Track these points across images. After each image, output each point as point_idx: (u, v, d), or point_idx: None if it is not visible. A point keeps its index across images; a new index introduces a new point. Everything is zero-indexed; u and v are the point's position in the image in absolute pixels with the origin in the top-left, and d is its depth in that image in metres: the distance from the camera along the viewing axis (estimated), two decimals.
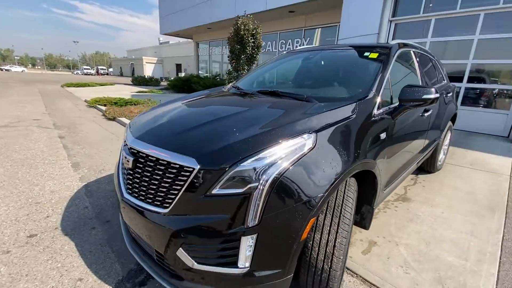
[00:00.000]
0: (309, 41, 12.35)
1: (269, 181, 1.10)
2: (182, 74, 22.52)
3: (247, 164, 1.12)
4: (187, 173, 1.17)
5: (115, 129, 5.53)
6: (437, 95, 1.79)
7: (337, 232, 1.27)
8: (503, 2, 5.30)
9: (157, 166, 1.28)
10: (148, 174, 1.32)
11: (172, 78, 18.39)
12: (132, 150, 1.43)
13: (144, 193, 1.34)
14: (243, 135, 1.25)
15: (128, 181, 1.44)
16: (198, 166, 1.14)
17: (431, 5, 6.35)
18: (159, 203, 1.26)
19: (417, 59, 2.61)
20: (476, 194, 2.89)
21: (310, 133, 1.27)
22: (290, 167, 1.15)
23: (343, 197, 1.34)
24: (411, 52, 2.55)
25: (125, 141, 1.61)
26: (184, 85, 14.75)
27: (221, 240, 1.13)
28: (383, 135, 1.68)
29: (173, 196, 1.21)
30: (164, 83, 22.10)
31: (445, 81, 3.60)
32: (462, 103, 6.17)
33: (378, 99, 1.74)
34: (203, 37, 19.60)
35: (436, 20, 6.30)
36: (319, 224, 1.27)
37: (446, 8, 6.07)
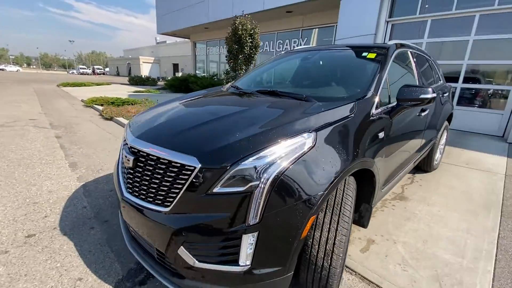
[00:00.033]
0: (307, 41, 12.40)
1: (270, 180, 1.11)
2: (179, 74, 22.45)
3: (248, 163, 1.12)
4: (189, 172, 1.17)
5: (113, 129, 5.51)
6: (434, 95, 1.82)
7: (336, 230, 1.28)
8: (498, 3, 5.37)
9: (158, 165, 1.28)
10: (149, 173, 1.32)
11: (169, 78, 18.33)
12: (132, 149, 1.43)
13: (144, 192, 1.34)
14: (244, 134, 1.26)
15: (129, 180, 1.44)
16: (200, 165, 1.15)
17: (427, 6, 6.41)
18: (160, 201, 1.27)
19: (414, 60, 2.63)
20: (471, 193, 2.93)
21: (310, 132, 1.29)
22: (291, 166, 1.16)
23: (343, 196, 1.36)
24: (408, 52, 2.57)
25: (125, 140, 1.61)
26: (181, 85, 14.71)
27: (223, 238, 1.14)
28: (381, 134, 1.70)
29: (174, 195, 1.21)
30: (161, 83, 22.01)
31: (441, 81, 3.64)
32: (458, 103, 6.23)
33: (376, 99, 1.76)
34: (200, 37, 19.57)
35: (432, 21, 6.36)
36: (319, 222, 1.28)
37: (442, 9, 6.13)
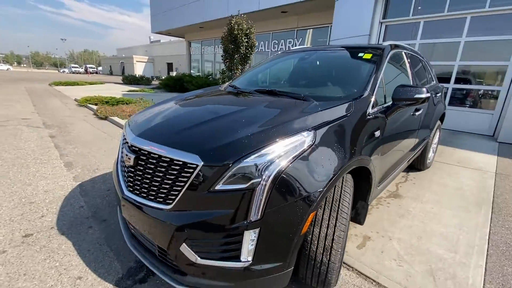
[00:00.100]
0: (301, 42, 12.47)
1: (271, 177, 1.13)
2: (174, 73, 22.32)
3: (250, 161, 1.15)
4: (191, 170, 1.19)
5: (108, 128, 5.46)
6: (428, 94, 1.87)
7: (335, 226, 1.32)
8: (488, 5, 5.50)
9: (160, 163, 1.29)
10: (150, 171, 1.33)
11: (163, 77, 18.21)
12: (133, 147, 1.44)
13: (146, 190, 1.35)
14: (245, 133, 1.29)
15: (129, 178, 1.45)
16: (202, 163, 1.17)
17: (419, 7, 6.52)
18: (161, 199, 1.28)
19: (408, 60, 2.69)
20: (463, 190, 3.01)
21: (310, 131, 1.32)
22: (291, 164, 1.18)
23: (341, 193, 1.39)
24: (403, 53, 2.63)
25: (124, 139, 1.62)
26: (176, 84, 14.64)
27: (224, 235, 1.16)
28: (377, 133, 1.74)
29: (176, 193, 1.23)
30: (155, 82, 21.85)
31: (434, 81, 3.72)
32: (450, 104, 6.36)
33: (373, 98, 1.80)
34: (195, 36, 19.49)
35: (425, 22, 6.47)
36: (318, 218, 1.31)
37: (434, 11, 6.25)
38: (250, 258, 1.17)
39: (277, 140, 1.24)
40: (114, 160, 3.61)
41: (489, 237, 2.14)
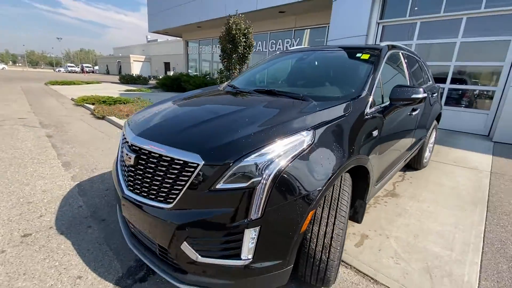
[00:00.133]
0: (299, 42, 12.51)
1: (272, 176, 1.15)
2: (171, 73, 22.25)
3: (251, 160, 1.16)
4: (192, 169, 1.20)
5: (105, 128, 5.44)
6: (425, 94, 1.90)
7: (334, 224, 1.33)
8: (484, 6, 5.56)
9: (161, 162, 1.30)
10: (151, 171, 1.34)
11: (161, 77, 18.14)
12: (133, 147, 1.44)
13: (146, 189, 1.36)
14: (245, 132, 1.30)
15: (130, 178, 1.45)
16: (203, 162, 1.18)
17: (416, 8, 6.58)
18: (162, 198, 1.29)
19: (405, 61, 2.72)
20: (459, 189, 3.05)
21: (309, 130, 1.34)
22: (291, 163, 1.20)
23: (339, 191, 1.41)
24: (400, 53, 2.66)
25: (124, 138, 1.62)
26: (173, 83, 14.60)
27: (225, 233, 1.17)
28: (375, 133, 1.76)
29: (177, 192, 1.24)
30: (152, 82, 21.77)
31: (431, 82, 3.76)
32: (446, 104, 6.42)
33: (370, 98, 1.82)
34: (192, 36, 19.45)
35: (422, 23, 6.53)
36: (317, 216, 1.33)
37: (431, 12, 6.31)
38: (250, 256, 1.19)
39: (277, 139, 1.25)
40: (113, 160, 3.60)
41: (484, 235, 2.18)
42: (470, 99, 6.31)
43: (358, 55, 2.30)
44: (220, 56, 8.81)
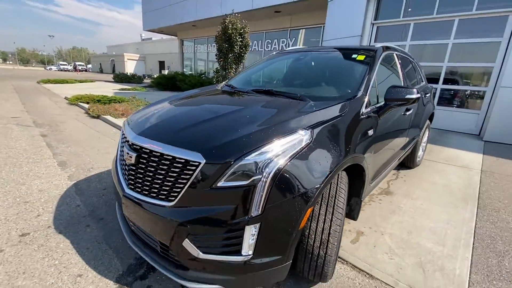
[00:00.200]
0: (294, 42, 12.57)
1: (271, 174, 1.18)
2: (166, 72, 22.11)
3: (251, 158, 1.19)
4: (193, 167, 1.23)
5: (100, 127, 5.41)
6: (418, 95, 1.95)
7: (331, 220, 1.37)
8: (475, 8, 5.68)
9: (162, 161, 1.32)
10: (152, 169, 1.36)
11: (155, 76, 18.01)
12: (134, 146, 1.46)
13: (147, 188, 1.38)
14: (245, 131, 1.33)
15: (130, 176, 1.47)
16: (204, 161, 1.20)
17: (410, 9, 6.68)
18: (163, 196, 1.31)
19: (399, 61, 2.78)
20: (451, 187, 3.13)
21: (307, 130, 1.37)
22: (290, 161, 1.23)
23: (336, 189, 1.45)
24: (394, 54, 2.72)
25: (124, 137, 1.63)
26: (168, 82, 14.53)
27: (226, 230, 1.20)
28: (370, 132, 1.81)
29: (179, 190, 1.26)
30: (147, 81, 21.60)
31: (424, 82, 3.84)
32: (438, 104, 6.55)
33: (366, 99, 1.87)
34: (188, 35, 19.36)
35: (415, 24, 6.64)
36: (315, 213, 1.37)
37: (424, 13, 6.42)
38: (250, 252, 1.22)
39: (276, 138, 1.28)
40: (110, 159, 3.60)
41: (475, 231, 2.25)
42: (462, 99, 6.44)
43: (354, 56, 2.34)
44: (216, 55, 8.81)
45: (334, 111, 1.63)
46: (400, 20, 6.82)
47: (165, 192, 1.31)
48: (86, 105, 7.17)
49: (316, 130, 1.41)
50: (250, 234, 1.20)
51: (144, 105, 7.44)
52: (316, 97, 1.90)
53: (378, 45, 2.51)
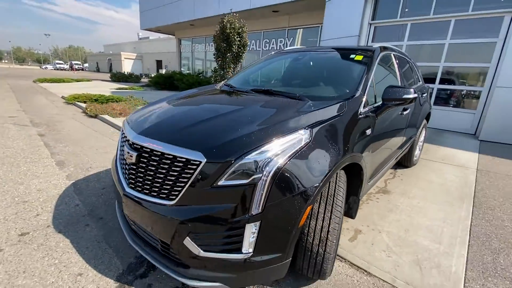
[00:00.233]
0: (292, 41, 12.59)
1: (272, 173, 1.20)
2: (163, 71, 22.02)
3: (252, 157, 1.21)
4: (194, 166, 1.24)
5: (98, 126, 5.39)
6: (415, 95, 1.98)
7: (330, 218, 1.39)
8: (471, 9, 5.74)
9: (163, 160, 1.33)
10: (153, 168, 1.37)
11: (153, 75, 17.95)
12: (135, 145, 1.47)
13: (148, 187, 1.39)
14: (246, 131, 1.34)
15: (131, 176, 1.48)
16: (205, 160, 1.22)
17: (407, 10, 6.73)
18: (164, 195, 1.32)
19: (397, 61, 2.81)
20: (447, 186, 3.17)
21: (306, 129, 1.39)
22: (289, 160, 1.25)
23: (335, 188, 1.47)
24: (391, 55, 2.74)
25: (125, 136, 1.64)
26: (166, 82, 14.48)
27: (227, 228, 1.21)
28: (368, 131, 1.83)
29: (180, 188, 1.27)
30: (144, 80, 21.51)
31: (421, 82, 3.88)
32: (435, 103, 6.60)
33: (364, 98, 1.89)
34: (185, 34, 19.30)
35: (412, 24, 6.69)
36: (315, 212, 1.39)
37: (421, 14, 6.47)
38: (251, 250, 1.23)
39: (276, 138, 1.30)
40: (109, 159, 3.59)
41: (470, 229, 2.28)
42: (458, 99, 6.51)
43: (352, 56, 2.37)
44: (214, 55, 8.80)
45: (332, 110, 1.65)
46: (397, 20, 6.87)
47: (166, 191, 1.32)
48: (83, 105, 7.13)
49: (315, 130, 1.43)
50: (250, 232, 1.21)
51: (142, 105, 7.43)
52: (315, 97, 1.92)
53: (376, 45, 2.53)
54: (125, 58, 41.97)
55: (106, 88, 13.07)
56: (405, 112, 2.66)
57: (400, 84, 2.74)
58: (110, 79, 20.38)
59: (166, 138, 1.38)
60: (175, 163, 1.29)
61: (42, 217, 2.18)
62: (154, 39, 40.80)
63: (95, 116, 6.17)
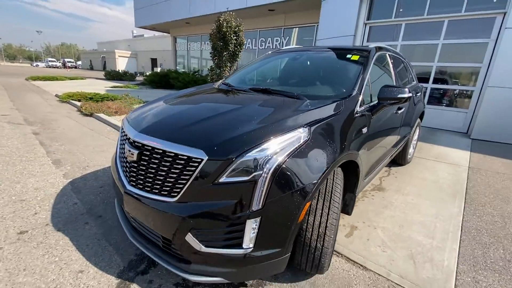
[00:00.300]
0: (288, 40, 12.62)
1: (272, 170, 1.23)
2: (158, 69, 21.87)
3: (252, 155, 1.24)
4: (196, 164, 1.26)
5: (94, 125, 5.36)
6: (410, 94, 2.03)
7: (328, 214, 1.44)
8: (464, 10, 5.85)
9: (164, 158, 1.36)
10: (154, 166, 1.39)
11: (148, 73, 17.81)
12: (136, 143, 1.49)
13: (150, 184, 1.41)
14: (246, 129, 1.37)
15: (132, 173, 1.50)
16: (207, 157, 1.24)
17: (401, 10, 6.82)
18: (166, 192, 1.35)
19: (392, 61, 2.87)
20: (440, 183, 3.25)
21: (305, 127, 1.43)
22: (289, 158, 1.29)
23: (333, 184, 1.51)
24: (387, 55, 2.80)
25: (125, 134, 1.65)
26: (161, 80, 14.41)
27: (228, 224, 1.24)
28: (364, 130, 1.88)
29: (181, 186, 1.30)
30: (139, 78, 21.33)
31: (415, 81, 3.95)
32: (428, 102, 6.70)
33: (360, 97, 1.93)
34: (181, 32, 19.18)
35: (406, 24, 6.78)
36: (313, 208, 1.43)
37: (415, 14, 6.56)
38: (251, 245, 1.27)
39: (276, 136, 1.33)
40: (106, 157, 3.58)
41: (462, 225, 2.36)
42: (451, 98, 6.63)
43: (349, 56, 2.41)
44: (210, 53, 8.78)
45: (330, 109, 1.69)
46: (392, 20, 6.95)
47: (168, 188, 1.34)
48: (78, 103, 7.07)
49: (314, 128, 1.46)
50: (251, 228, 1.24)
51: (137, 103, 7.39)
52: (313, 96, 1.96)
53: (372, 45, 2.58)
54: (119, 56, 41.53)
55: (100, 86, 12.95)
56: (399, 111, 2.71)
57: (395, 84, 2.79)
58: (104, 77, 20.18)
59: (167, 136, 1.41)
60: (177, 161, 1.32)
61: (41, 215, 2.18)
62: (149, 37, 40.46)
63: (91, 115, 6.13)
